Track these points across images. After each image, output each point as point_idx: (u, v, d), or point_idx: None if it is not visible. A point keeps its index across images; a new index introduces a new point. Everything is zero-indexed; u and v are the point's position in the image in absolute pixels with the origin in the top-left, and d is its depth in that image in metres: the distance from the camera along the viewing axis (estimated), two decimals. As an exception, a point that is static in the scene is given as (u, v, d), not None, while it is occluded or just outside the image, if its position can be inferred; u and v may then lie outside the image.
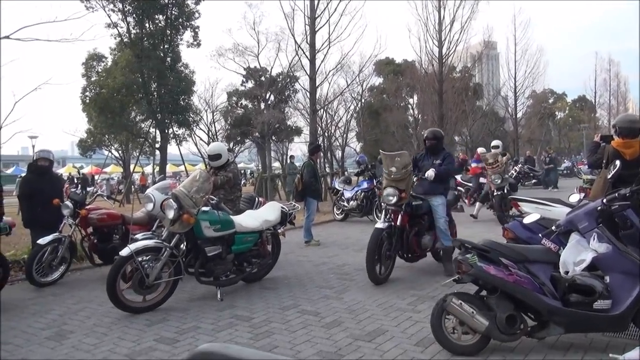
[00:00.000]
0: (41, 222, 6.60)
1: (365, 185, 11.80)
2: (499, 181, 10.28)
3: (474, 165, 12.96)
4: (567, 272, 3.54)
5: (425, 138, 6.58)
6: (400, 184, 5.82)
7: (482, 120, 31.42)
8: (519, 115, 35.61)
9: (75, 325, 4.63)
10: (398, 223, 5.86)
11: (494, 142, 11.97)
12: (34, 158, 6.98)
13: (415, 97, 33.00)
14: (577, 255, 3.55)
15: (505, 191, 10.35)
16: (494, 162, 10.50)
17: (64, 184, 7.27)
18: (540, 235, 4.14)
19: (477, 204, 11.32)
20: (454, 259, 3.82)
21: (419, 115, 31.31)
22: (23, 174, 6.66)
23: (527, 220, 4.93)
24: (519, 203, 6.12)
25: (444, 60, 21.39)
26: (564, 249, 3.72)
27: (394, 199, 5.83)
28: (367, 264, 5.63)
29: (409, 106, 36.79)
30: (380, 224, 5.89)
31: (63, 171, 36.16)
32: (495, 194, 10.33)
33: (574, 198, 5.99)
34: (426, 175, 6.09)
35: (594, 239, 3.52)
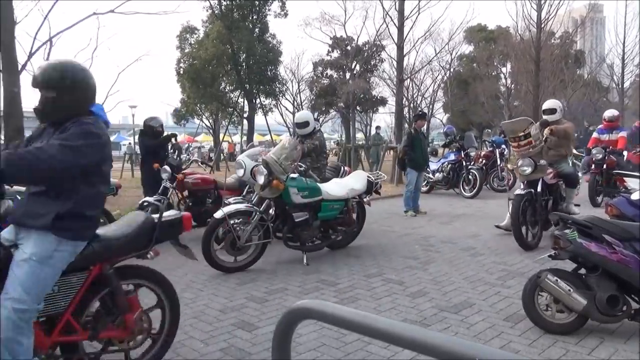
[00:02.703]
0: (152, 181, 7.19)
1: (452, 157, 11.46)
2: (529, 170, 6.05)
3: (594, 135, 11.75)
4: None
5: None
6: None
7: (583, 90, 29.12)
8: (626, 84, 32.60)
9: (174, 280, 4.93)
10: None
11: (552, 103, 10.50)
12: (150, 124, 7.56)
13: (509, 66, 31.23)
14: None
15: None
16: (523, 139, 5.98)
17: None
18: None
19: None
20: (551, 234, 3.63)
21: (512, 85, 29.67)
22: (126, 142, 7.17)
23: (635, 196, 4.55)
24: (626, 179, 5.67)
25: (542, 26, 19.94)
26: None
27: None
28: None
29: (502, 75, 34.90)
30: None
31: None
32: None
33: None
34: None
35: None
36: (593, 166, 9.42)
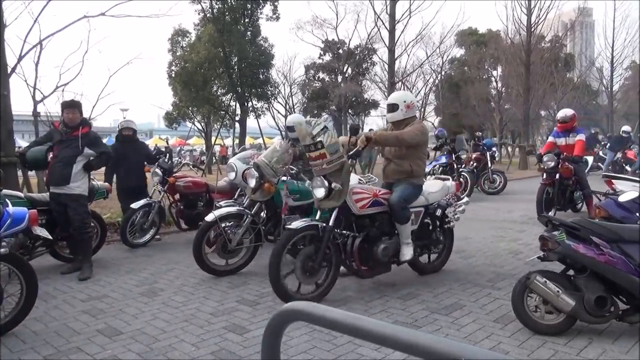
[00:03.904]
0: (125, 188, 7.04)
1: (443, 159, 11.50)
2: (319, 194, 4.59)
3: None
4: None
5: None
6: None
7: (573, 94, 29.40)
8: (615, 87, 32.95)
9: (165, 283, 4.96)
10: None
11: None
12: (119, 128, 7.37)
13: (499, 69, 31.46)
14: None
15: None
16: (313, 149, 4.84)
17: (148, 151, 7.66)
18: (637, 214, 3.87)
19: None
20: (540, 235, 3.66)
21: (503, 88, 29.89)
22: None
23: (622, 198, 4.61)
24: (613, 181, 5.73)
25: (532, 29, 20.17)
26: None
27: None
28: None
29: (492, 79, 35.15)
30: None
31: (150, 142, 38.32)
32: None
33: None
34: None
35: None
36: (544, 175, 7.93)
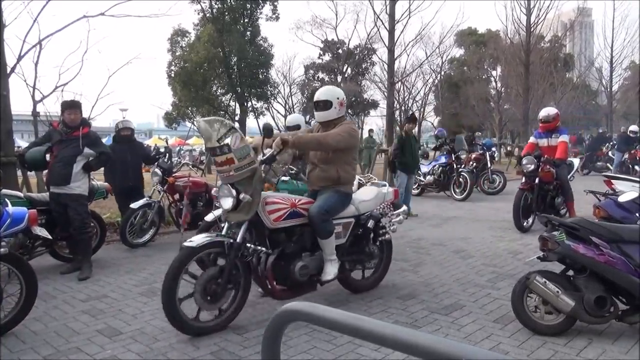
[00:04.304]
0: (121, 188, 6.95)
1: (443, 159, 11.52)
2: (226, 204, 3.97)
3: None
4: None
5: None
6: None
7: (572, 94, 29.40)
8: (615, 88, 32.95)
9: (165, 284, 4.96)
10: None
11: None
12: (117, 129, 7.31)
13: (499, 69, 31.45)
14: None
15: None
16: (219, 152, 4.21)
17: (146, 152, 7.63)
18: (637, 214, 3.87)
19: None
20: (539, 236, 3.66)
21: (502, 88, 29.89)
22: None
23: (622, 198, 4.62)
24: (613, 181, 5.74)
25: (532, 29, 20.17)
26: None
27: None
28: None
29: (492, 79, 35.15)
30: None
31: (150, 142, 38.33)
32: None
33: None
34: None
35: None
36: (523, 179, 7.41)
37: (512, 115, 26.52)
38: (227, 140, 3.50)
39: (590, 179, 14.59)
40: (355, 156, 4.43)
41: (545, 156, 7.12)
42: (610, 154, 16.67)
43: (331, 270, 4.07)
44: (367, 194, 4.56)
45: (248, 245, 3.73)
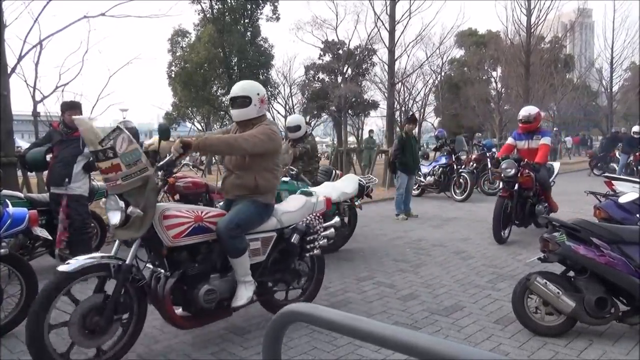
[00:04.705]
0: None
1: (443, 160, 11.51)
2: (114, 219, 3.41)
3: None
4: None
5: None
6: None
7: (573, 95, 29.42)
8: (615, 88, 32.96)
9: (165, 284, 4.95)
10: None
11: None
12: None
13: (499, 70, 31.47)
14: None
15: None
16: (103, 157, 3.63)
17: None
18: (638, 215, 3.87)
19: None
20: (540, 236, 3.66)
21: (502, 89, 29.90)
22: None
23: (623, 199, 4.62)
24: (613, 182, 5.73)
25: (532, 30, 20.18)
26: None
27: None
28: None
29: (492, 79, 35.17)
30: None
31: (151, 142, 38.27)
32: None
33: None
34: None
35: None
36: (501, 185, 6.83)
37: (513, 116, 26.54)
38: (112, 143, 2.95)
39: (601, 180, 14.62)
40: (278, 162, 3.78)
41: (525, 160, 6.58)
42: (617, 154, 16.45)
43: (244, 294, 3.43)
44: (293, 204, 4.00)
45: (148, 266, 3.34)
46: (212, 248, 3.41)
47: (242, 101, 3.59)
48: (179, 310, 3.36)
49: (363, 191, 6.33)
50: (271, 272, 3.78)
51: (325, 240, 4.00)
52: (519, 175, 6.44)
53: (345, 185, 6.14)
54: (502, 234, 6.50)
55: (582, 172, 18.21)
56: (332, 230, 4.11)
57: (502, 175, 6.55)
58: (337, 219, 4.33)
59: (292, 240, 3.74)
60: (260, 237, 3.61)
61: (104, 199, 3.22)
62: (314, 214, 4.00)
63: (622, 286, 3.34)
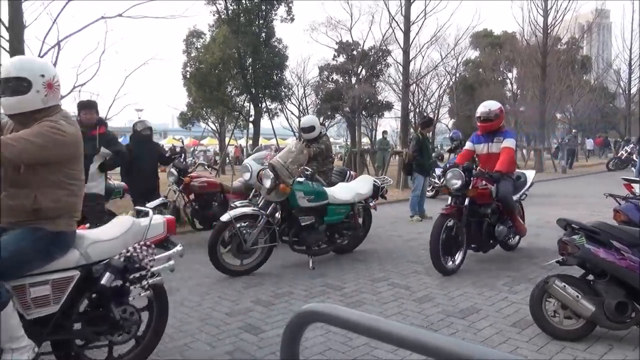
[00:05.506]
0: (136, 188, 6.88)
1: (458, 162, 11.40)
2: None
3: None
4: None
5: None
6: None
7: (590, 96, 29.04)
8: (633, 90, 32.48)
9: (180, 283, 4.98)
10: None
11: None
12: (137, 128, 7.17)
13: (515, 71, 31.21)
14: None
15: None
16: None
17: (161, 152, 7.61)
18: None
19: None
20: (558, 239, 3.61)
21: (518, 91, 29.64)
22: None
23: (643, 202, 4.53)
24: (633, 185, 5.64)
25: (549, 31, 19.99)
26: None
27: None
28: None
29: (507, 81, 34.89)
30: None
31: (165, 142, 38.62)
32: None
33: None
34: None
35: None
36: (449, 200, 5.43)
37: (528, 118, 26.29)
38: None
39: (618, 181, 14.41)
40: (77, 172, 2.69)
41: (479, 168, 5.46)
42: (634, 157, 16.09)
43: None
44: (110, 230, 2.96)
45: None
46: None
47: (17, 85, 2.50)
48: None
49: (378, 192, 6.31)
50: (77, 326, 2.82)
51: (161, 278, 3.05)
52: (468, 187, 5.18)
53: (360, 186, 6.13)
54: (445, 261, 5.07)
55: (599, 175, 17.96)
56: (172, 262, 3.12)
57: (450, 187, 5.30)
58: (179, 247, 3.20)
59: (102, 282, 2.72)
60: (49, 280, 2.58)
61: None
62: (143, 242, 2.99)
63: (643, 290, 3.28)
